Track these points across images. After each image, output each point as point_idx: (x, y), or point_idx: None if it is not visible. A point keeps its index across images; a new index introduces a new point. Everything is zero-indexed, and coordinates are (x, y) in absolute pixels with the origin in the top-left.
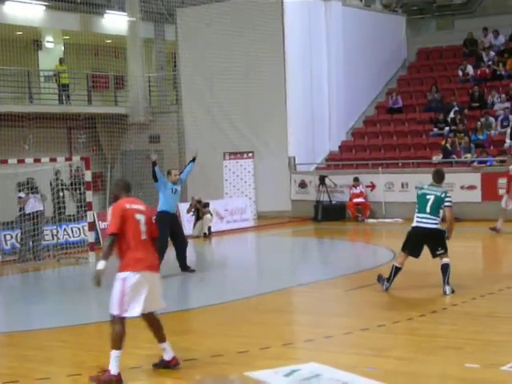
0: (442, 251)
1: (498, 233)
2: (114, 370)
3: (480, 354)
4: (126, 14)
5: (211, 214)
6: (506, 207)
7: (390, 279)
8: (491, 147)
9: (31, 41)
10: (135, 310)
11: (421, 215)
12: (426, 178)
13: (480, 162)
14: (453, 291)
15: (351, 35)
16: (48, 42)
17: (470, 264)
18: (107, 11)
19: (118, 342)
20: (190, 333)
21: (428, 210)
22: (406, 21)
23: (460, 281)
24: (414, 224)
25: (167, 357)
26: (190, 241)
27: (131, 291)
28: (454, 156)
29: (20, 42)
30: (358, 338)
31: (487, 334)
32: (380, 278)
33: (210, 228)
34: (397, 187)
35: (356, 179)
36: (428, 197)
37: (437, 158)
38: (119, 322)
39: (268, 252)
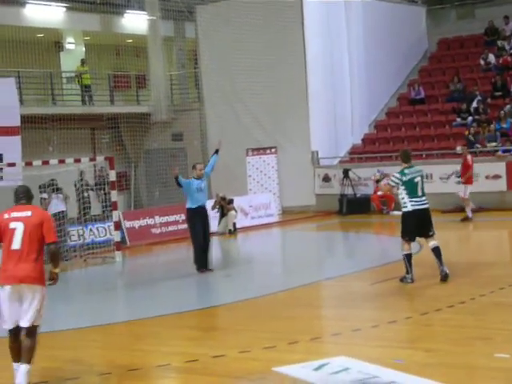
0: (432, 231)
1: (471, 221)
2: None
3: (509, 344)
4: (145, 13)
5: (236, 211)
6: (464, 195)
7: (408, 270)
8: None
9: (52, 43)
10: (7, 324)
11: (415, 198)
12: (450, 168)
13: (504, 151)
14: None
15: (371, 27)
16: (69, 43)
17: (496, 253)
18: (127, 11)
19: (11, 355)
20: (217, 329)
21: (420, 192)
22: (425, 11)
23: (486, 270)
24: (411, 208)
25: (17, 380)
26: (215, 237)
27: (3, 304)
28: (478, 145)
29: (41, 44)
30: (386, 330)
31: None
32: (402, 279)
33: (234, 224)
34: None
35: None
36: (416, 180)
37: (461, 148)
38: (8, 334)
39: (293, 247)
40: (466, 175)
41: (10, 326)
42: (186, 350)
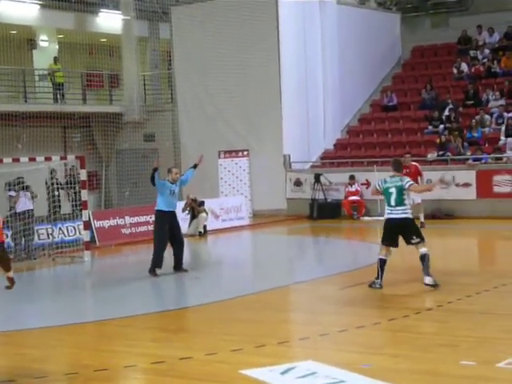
0: (417, 240)
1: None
2: None
3: (475, 352)
4: (120, 12)
5: (206, 213)
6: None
7: (378, 275)
8: (486, 144)
9: (26, 40)
10: None
11: (389, 208)
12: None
13: (475, 160)
14: (435, 284)
15: (346, 33)
16: (42, 40)
17: (464, 261)
18: (102, 10)
19: None
20: (184, 331)
21: (393, 203)
22: (400, 18)
23: (454, 278)
24: (386, 216)
25: None
26: (185, 240)
27: None
28: (449, 153)
29: (14, 41)
30: (354, 335)
31: (482, 331)
32: (371, 284)
33: (205, 226)
34: None
35: (352, 177)
36: (390, 190)
37: (431, 155)
38: None
39: (263, 250)
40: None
41: None
42: (153, 352)
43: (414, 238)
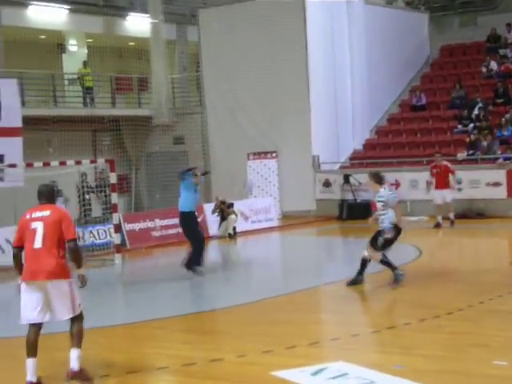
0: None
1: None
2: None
3: (507, 352)
4: (148, 15)
5: (236, 215)
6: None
7: (393, 266)
8: None
9: (55, 44)
10: (27, 318)
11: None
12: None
13: (505, 159)
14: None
15: (373, 33)
16: (72, 45)
17: (496, 261)
18: (130, 13)
19: (27, 350)
20: (215, 333)
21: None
22: (428, 18)
23: (486, 278)
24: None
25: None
26: (215, 241)
27: (27, 300)
28: (479, 153)
29: (44, 46)
30: (385, 336)
31: None
32: (396, 279)
33: (234, 228)
34: (421, 185)
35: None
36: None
37: (461, 155)
38: (29, 328)
39: (293, 251)
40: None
41: (31, 320)
42: (184, 353)
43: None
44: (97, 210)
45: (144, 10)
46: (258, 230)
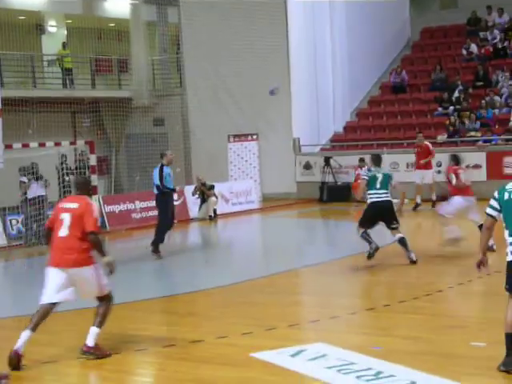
0: (396, 225)
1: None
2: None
3: (485, 333)
4: None
5: (216, 197)
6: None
7: (369, 241)
8: (496, 126)
9: (34, 25)
10: (48, 298)
11: (374, 191)
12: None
13: (485, 141)
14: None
15: (354, 16)
16: (51, 26)
17: (474, 243)
18: None
19: (31, 321)
20: (195, 315)
21: (378, 185)
22: (409, 0)
23: (464, 260)
24: (370, 200)
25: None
26: (195, 223)
27: (50, 281)
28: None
29: (23, 27)
30: (364, 318)
31: (493, 312)
32: (369, 254)
33: (215, 210)
34: (402, 167)
35: (361, 160)
36: (377, 175)
37: (441, 137)
38: (43, 305)
39: (273, 234)
40: (426, 160)
41: (52, 300)
42: (164, 335)
43: (395, 222)
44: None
45: None
46: (238, 213)
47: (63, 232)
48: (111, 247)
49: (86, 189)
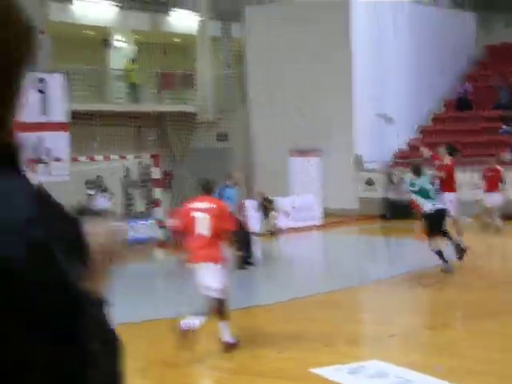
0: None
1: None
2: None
3: None
4: (194, 12)
5: (277, 212)
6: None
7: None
8: None
9: (101, 40)
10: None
11: (431, 201)
12: None
13: None
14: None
15: (419, 31)
16: (118, 41)
17: None
18: (176, 10)
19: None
20: (255, 329)
21: (432, 195)
22: (474, 17)
23: None
24: (429, 209)
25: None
26: (256, 238)
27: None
28: None
29: (90, 42)
30: (425, 336)
31: None
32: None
33: (276, 225)
34: (466, 185)
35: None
36: (427, 187)
37: (506, 156)
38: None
39: (334, 250)
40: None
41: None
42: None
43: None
44: (140, 205)
45: (189, 7)
46: (299, 228)
47: (201, 231)
48: (173, 260)
49: (210, 189)
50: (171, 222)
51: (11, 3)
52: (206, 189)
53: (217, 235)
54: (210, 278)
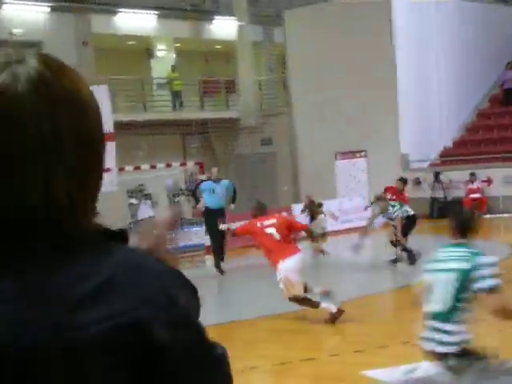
0: None
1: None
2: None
3: None
4: (234, 18)
5: (325, 215)
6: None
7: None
8: None
9: (143, 50)
10: None
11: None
12: None
13: None
14: None
15: (461, 28)
16: (159, 50)
17: None
18: (216, 17)
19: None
20: (308, 332)
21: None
22: None
23: None
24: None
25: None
26: (304, 242)
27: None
28: None
29: (133, 52)
30: (485, 335)
31: None
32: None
33: (324, 228)
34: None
35: (472, 174)
36: None
37: None
38: None
39: (384, 250)
40: None
41: None
42: (275, 353)
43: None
44: (187, 213)
45: (230, 13)
46: (347, 230)
47: (277, 237)
48: (229, 264)
49: (266, 209)
50: (236, 229)
51: (88, 86)
52: (263, 209)
53: (288, 237)
54: (292, 272)
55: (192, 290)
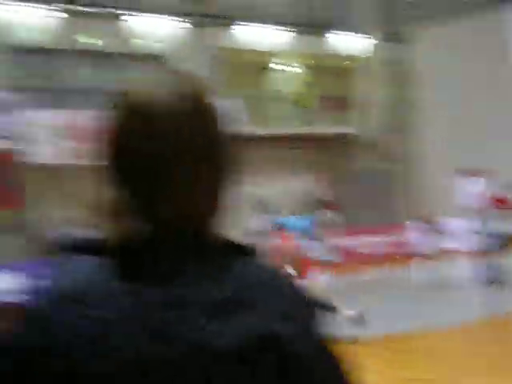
0: None
1: None
2: None
3: None
4: (363, 35)
5: (443, 234)
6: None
7: None
8: None
9: (266, 64)
10: None
11: None
12: None
13: None
14: None
15: None
16: (284, 64)
17: None
18: (344, 32)
19: None
20: (430, 355)
21: None
22: None
23: None
24: None
25: None
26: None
27: None
28: None
29: (256, 66)
30: None
31: None
32: None
33: (443, 248)
34: None
35: None
36: None
37: None
38: None
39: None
40: None
41: None
42: (396, 375)
43: None
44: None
45: (358, 29)
46: (467, 252)
47: None
48: (339, 281)
49: None
50: None
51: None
52: None
53: None
54: None
55: (310, 301)
